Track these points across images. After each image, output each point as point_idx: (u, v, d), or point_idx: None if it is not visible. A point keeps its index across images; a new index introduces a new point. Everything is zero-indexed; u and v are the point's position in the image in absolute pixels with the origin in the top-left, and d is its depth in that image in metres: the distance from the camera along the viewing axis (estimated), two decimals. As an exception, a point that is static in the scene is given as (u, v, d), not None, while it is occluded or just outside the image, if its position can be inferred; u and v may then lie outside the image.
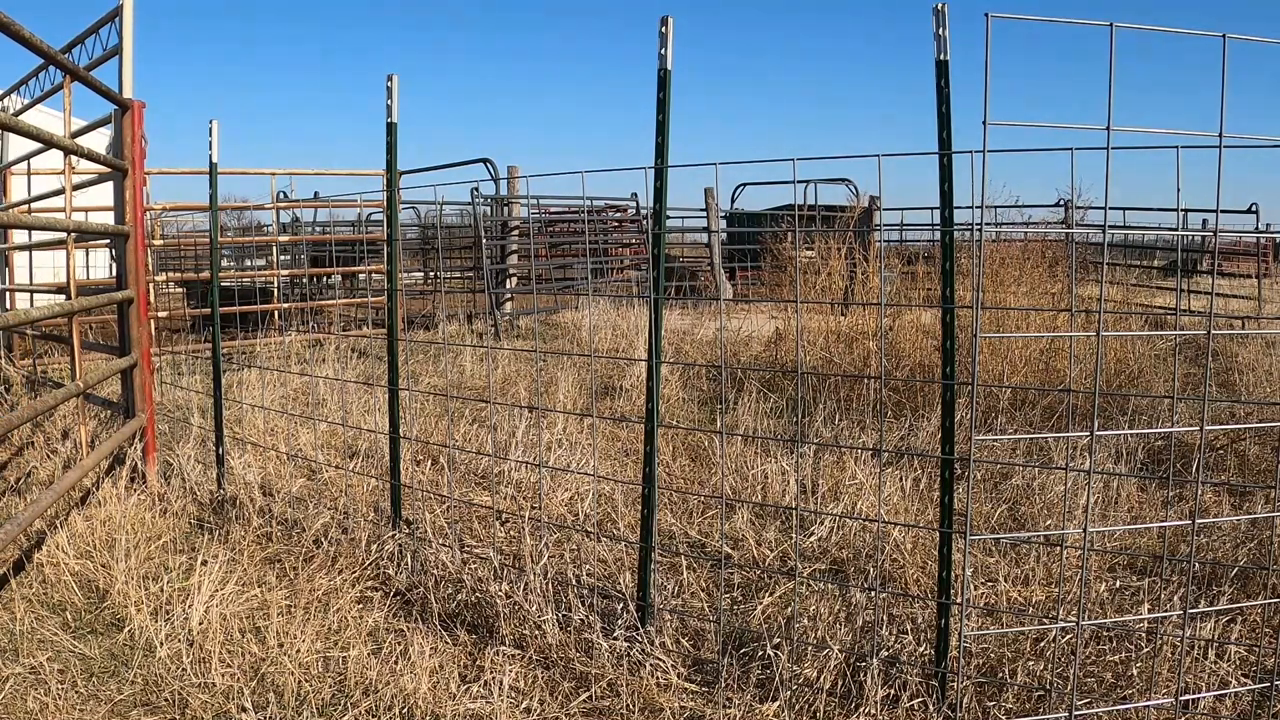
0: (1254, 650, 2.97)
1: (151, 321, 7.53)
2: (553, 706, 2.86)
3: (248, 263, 14.47)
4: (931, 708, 2.75)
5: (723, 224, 16.15)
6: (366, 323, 11.20)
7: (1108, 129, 2.27)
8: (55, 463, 5.20)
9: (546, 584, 3.45)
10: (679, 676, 2.98)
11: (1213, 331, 2.50)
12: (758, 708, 2.80)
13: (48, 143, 4.02)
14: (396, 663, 3.06)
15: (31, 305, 9.33)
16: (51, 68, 6.81)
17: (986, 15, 2.18)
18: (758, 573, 3.80)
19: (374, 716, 2.79)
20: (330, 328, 11.05)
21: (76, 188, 5.93)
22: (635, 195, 15.66)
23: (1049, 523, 4.24)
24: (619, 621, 3.23)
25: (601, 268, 14.49)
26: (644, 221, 14.73)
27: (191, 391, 7.00)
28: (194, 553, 4.01)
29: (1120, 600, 3.51)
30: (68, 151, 4.42)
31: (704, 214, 15.23)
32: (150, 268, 8.81)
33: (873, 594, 3.32)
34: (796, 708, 2.80)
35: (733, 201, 18.10)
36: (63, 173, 5.09)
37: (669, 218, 3.29)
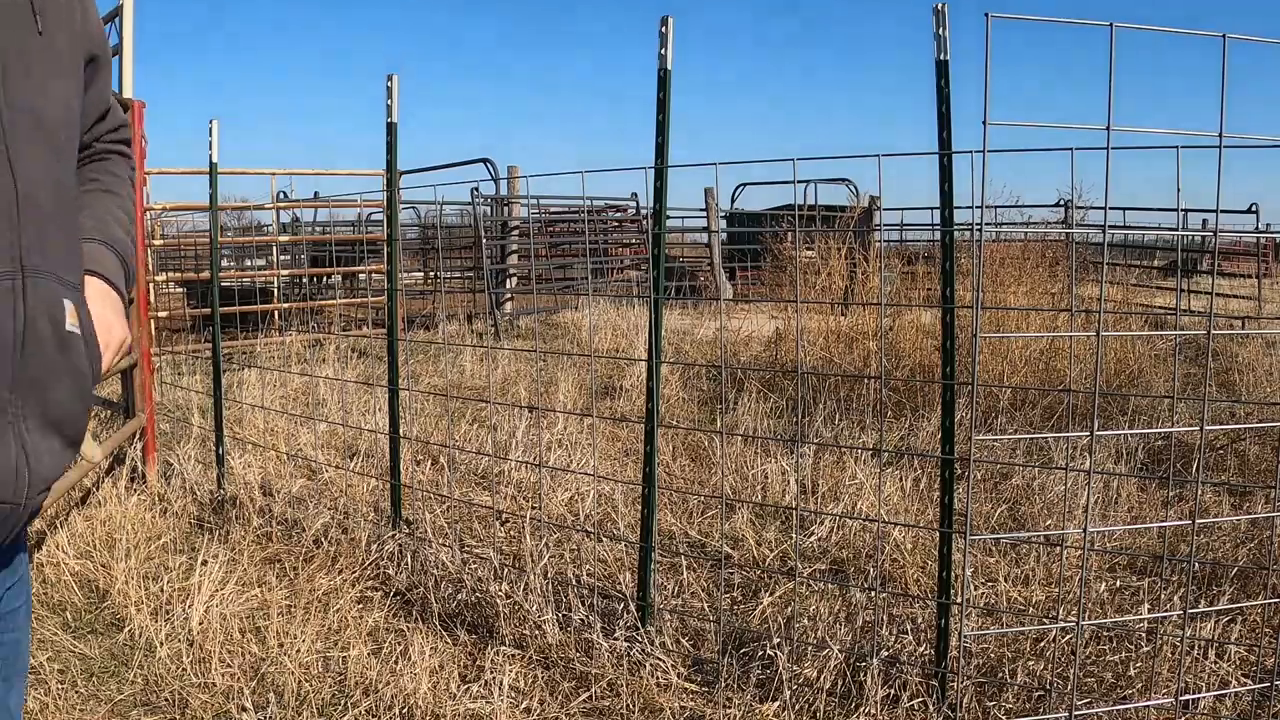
0: (1254, 650, 2.97)
1: (151, 321, 7.53)
2: (553, 706, 2.86)
3: (248, 263, 14.47)
4: (931, 708, 2.75)
5: (723, 224, 16.15)
6: (366, 323, 11.20)
7: (1108, 129, 2.27)
8: (55, 463, 5.20)
9: (546, 584, 3.45)
10: (679, 676, 2.98)
11: (1213, 331, 2.50)
12: (758, 708, 2.80)
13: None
14: (396, 663, 3.06)
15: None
16: (51, 68, 6.80)
17: (986, 15, 2.18)
18: (758, 573, 3.80)
19: (374, 716, 2.79)
20: (330, 328, 11.05)
21: (76, 188, 5.92)
22: (635, 195, 15.66)
23: (1049, 523, 4.24)
24: (619, 621, 3.23)
25: (601, 268, 14.49)
26: (644, 221, 14.73)
27: (191, 391, 7.00)
28: (194, 553, 4.01)
29: (1120, 600, 3.51)
30: (68, 151, 4.41)
31: (704, 214, 15.22)
32: (150, 268, 8.81)
33: (873, 594, 3.33)
34: (796, 708, 2.80)
35: (733, 201, 18.10)
36: (63, 173, 5.08)
37: (669, 218, 3.29)
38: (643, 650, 3.06)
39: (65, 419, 1.23)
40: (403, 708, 2.80)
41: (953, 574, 2.89)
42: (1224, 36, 2.28)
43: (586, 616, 3.26)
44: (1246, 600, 3.29)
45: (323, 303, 11.50)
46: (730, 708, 2.80)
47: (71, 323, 1.22)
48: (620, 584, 3.62)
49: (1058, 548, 3.69)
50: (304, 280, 13.76)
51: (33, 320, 1.16)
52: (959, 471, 4.03)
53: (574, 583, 3.56)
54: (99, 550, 4.00)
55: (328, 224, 15.52)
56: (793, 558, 3.86)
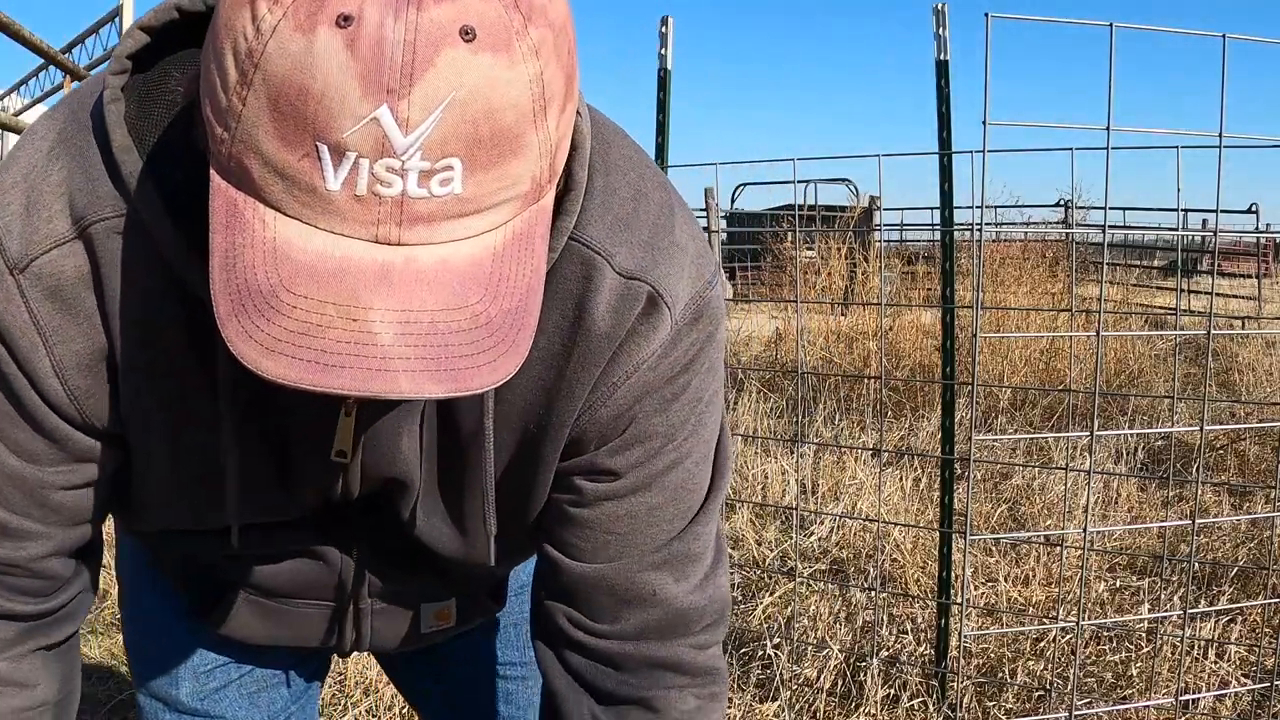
0: (1254, 650, 2.97)
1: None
2: (553, 706, 2.86)
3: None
4: (931, 708, 2.75)
5: (723, 224, 16.14)
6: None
7: (1108, 129, 2.26)
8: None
9: (546, 584, 3.44)
10: (679, 676, 2.98)
11: (1213, 331, 2.50)
12: (758, 708, 2.80)
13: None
14: (396, 663, 3.06)
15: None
16: (52, 68, 6.81)
17: (986, 15, 2.18)
18: (758, 573, 3.80)
19: (374, 716, 2.79)
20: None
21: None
22: (635, 195, 15.61)
23: (1049, 523, 4.24)
24: (619, 621, 3.22)
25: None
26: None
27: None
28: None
29: (1120, 600, 3.51)
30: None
31: (704, 214, 15.21)
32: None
33: (873, 594, 3.32)
34: (796, 708, 2.79)
35: (733, 201, 18.10)
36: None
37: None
38: (643, 650, 3.06)
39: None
40: (403, 708, 2.80)
41: (953, 574, 2.90)
42: (1224, 36, 2.28)
43: (586, 616, 3.26)
44: (1246, 600, 3.29)
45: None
46: (730, 708, 2.80)
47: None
48: (620, 584, 3.61)
49: (1058, 548, 3.69)
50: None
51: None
52: (959, 471, 4.03)
53: (574, 583, 3.55)
54: (99, 550, 4.00)
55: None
56: (793, 558, 3.86)
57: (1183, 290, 11.14)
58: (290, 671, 1.21)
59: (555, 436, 0.85)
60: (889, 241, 12.96)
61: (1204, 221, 12.04)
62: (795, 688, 2.86)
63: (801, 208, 14.63)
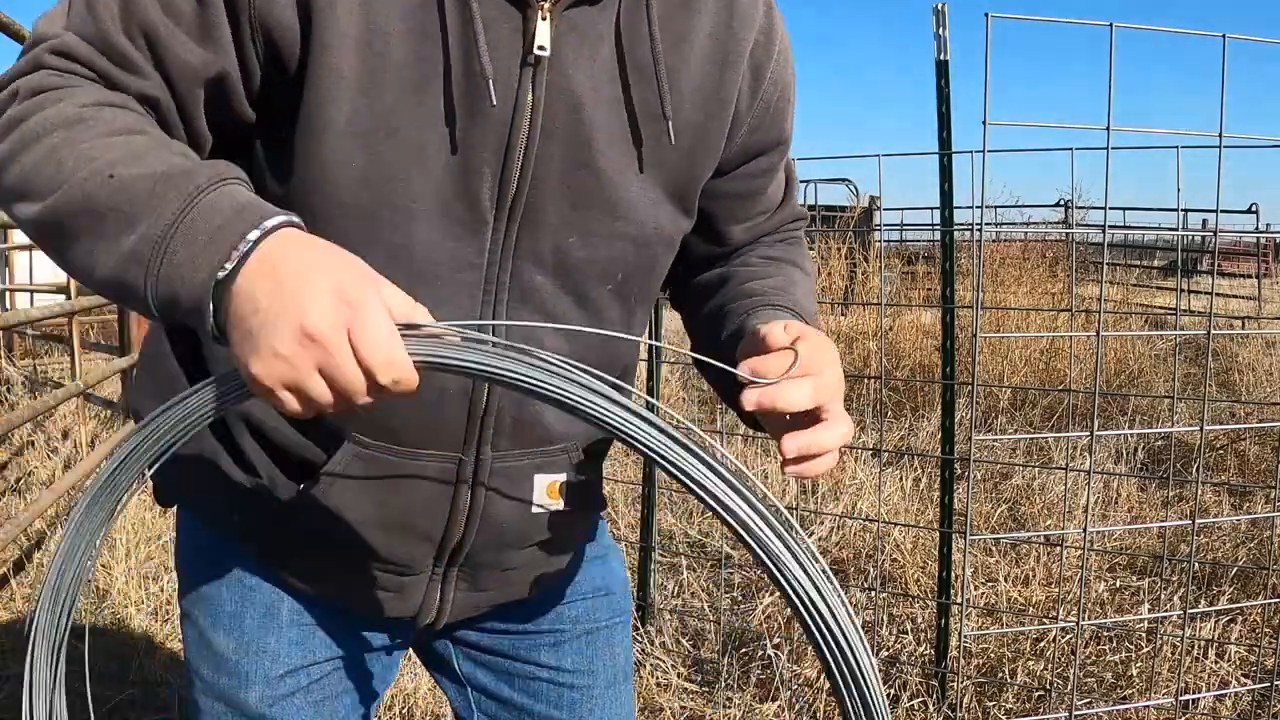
0: (1254, 650, 2.97)
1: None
2: (553, 706, 2.86)
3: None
4: (931, 708, 2.75)
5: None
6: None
7: (1108, 129, 2.27)
8: (56, 463, 5.20)
9: (546, 584, 3.44)
10: (679, 676, 2.98)
11: (1213, 331, 2.50)
12: (758, 708, 2.80)
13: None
14: (396, 663, 3.06)
15: (31, 305, 9.33)
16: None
17: (986, 15, 2.18)
18: (758, 573, 3.80)
19: (374, 716, 2.79)
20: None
21: (76, 188, 5.91)
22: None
23: (1049, 523, 4.24)
24: (619, 621, 3.22)
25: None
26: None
27: (191, 391, 6.98)
28: (194, 553, 4.00)
29: (1120, 600, 3.51)
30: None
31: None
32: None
33: (873, 594, 3.33)
34: (796, 708, 2.80)
35: (733, 201, 18.05)
36: (63, 173, 5.09)
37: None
38: (643, 650, 3.06)
39: None
40: (403, 707, 2.80)
41: (953, 574, 2.90)
42: (1224, 36, 2.28)
43: (586, 616, 3.26)
44: (1246, 600, 3.29)
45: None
46: (730, 708, 2.80)
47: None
48: (620, 584, 3.61)
49: (1058, 548, 3.69)
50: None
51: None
52: (959, 471, 4.03)
53: (574, 583, 3.55)
54: (99, 550, 3.99)
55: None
56: (793, 558, 3.86)
57: (1183, 290, 11.14)
58: (355, 680, 1.21)
59: (729, 86, 1.06)
60: (889, 241, 12.94)
61: (1204, 221, 12.03)
62: (795, 688, 2.86)
63: (801, 207, 14.60)
